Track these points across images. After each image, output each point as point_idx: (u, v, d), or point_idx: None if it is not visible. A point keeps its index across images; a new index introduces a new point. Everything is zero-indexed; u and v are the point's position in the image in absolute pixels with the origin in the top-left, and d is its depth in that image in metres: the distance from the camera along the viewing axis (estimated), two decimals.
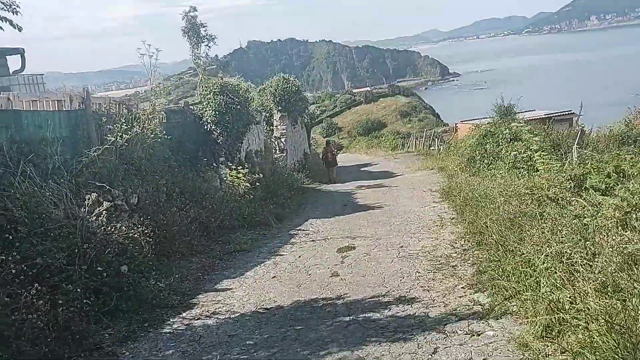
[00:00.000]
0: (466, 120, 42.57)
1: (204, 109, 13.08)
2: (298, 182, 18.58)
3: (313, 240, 10.32)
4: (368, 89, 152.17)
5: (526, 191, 9.03)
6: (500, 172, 14.05)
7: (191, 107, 13.55)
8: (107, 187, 8.32)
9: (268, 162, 17.43)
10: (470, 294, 6.02)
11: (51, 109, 8.44)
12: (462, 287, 6.32)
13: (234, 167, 12.60)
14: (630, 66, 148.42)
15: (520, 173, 12.78)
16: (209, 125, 12.93)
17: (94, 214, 6.86)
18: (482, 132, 17.86)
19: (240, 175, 11.93)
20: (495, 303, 5.44)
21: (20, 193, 6.73)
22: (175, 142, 12.09)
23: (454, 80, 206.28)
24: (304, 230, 11.59)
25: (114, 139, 8.48)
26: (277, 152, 20.57)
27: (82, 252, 6.38)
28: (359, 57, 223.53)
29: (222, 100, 12.84)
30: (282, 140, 20.60)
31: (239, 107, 13.17)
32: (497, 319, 5.17)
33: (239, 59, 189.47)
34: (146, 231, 7.48)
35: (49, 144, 7.76)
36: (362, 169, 28.09)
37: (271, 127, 21.08)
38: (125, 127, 8.68)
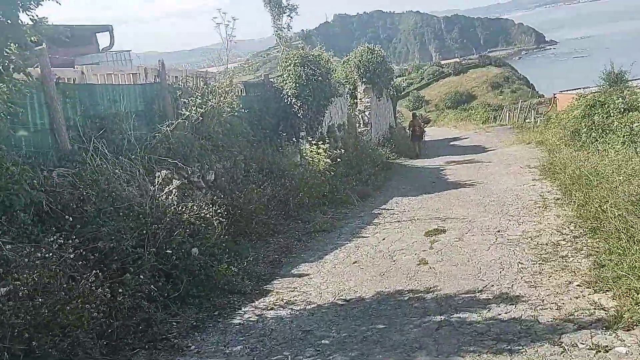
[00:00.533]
0: (566, 91, 39.44)
1: (284, 82, 12.48)
2: (383, 157, 17.72)
3: (398, 221, 9.50)
4: (457, 60, 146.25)
5: None
6: (613, 146, 12.46)
7: (271, 80, 13.00)
8: (182, 163, 7.95)
9: (351, 137, 16.68)
10: (589, 294, 5.00)
11: (126, 83, 8.14)
12: (577, 285, 5.29)
13: (314, 142, 11.95)
14: None
15: (638, 148, 11.19)
16: (289, 99, 12.33)
17: (164, 192, 6.44)
18: (589, 101, 16.06)
19: (321, 150, 11.27)
20: (624, 308, 4.41)
21: (91, 170, 6.43)
22: (254, 116, 11.65)
23: (550, 48, 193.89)
24: (388, 209, 10.80)
25: (188, 113, 8.05)
26: (361, 125, 19.75)
27: (152, 233, 6.00)
28: (447, 27, 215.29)
29: (303, 72, 12.17)
30: (366, 113, 19.73)
31: (320, 78, 12.46)
32: (629, 329, 4.17)
33: (324, 33, 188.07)
34: (219, 210, 7.00)
35: (123, 119, 7.45)
36: (451, 143, 26.66)
37: (355, 100, 20.23)
38: (200, 101, 8.23)
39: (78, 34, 16.02)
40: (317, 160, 10.96)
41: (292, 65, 12.37)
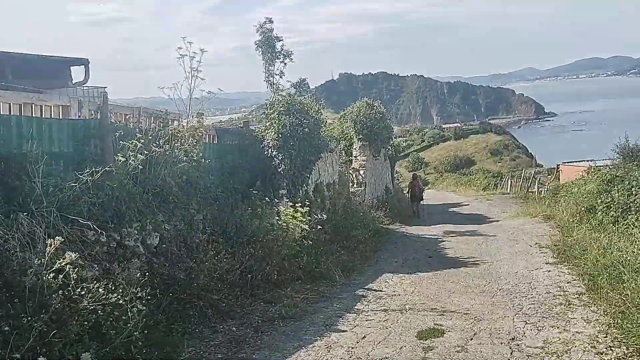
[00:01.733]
0: (570, 162, 38.09)
1: (266, 130, 10.82)
2: (376, 221, 15.92)
3: (385, 310, 7.57)
4: (458, 124, 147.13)
5: None
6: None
7: (252, 127, 11.35)
8: (114, 222, 6.14)
9: (342, 197, 14.91)
10: None
11: (52, 117, 6.41)
12: None
13: (292, 203, 10.12)
14: None
15: None
16: (269, 150, 10.63)
17: (53, 268, 4.57)
18: (606, 176, 14.40)
19: (298, 214, 9.42)
20: None
21: None
22: (226, 168, 9.91)
23: (550, 120, 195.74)
24: (375, 290, 8.88)
25: (124, 158, 6.29)
26: (355, 185, 18.03)
27: (26, 329, 4.11)
28: (449, 93, 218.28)
29: (288, 121, 10.50)
30: (361, 172, 18.06)
31: (307, 130, 10.77)
32: None
33: (329, 90, 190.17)
34: (140, 294, 5.10)
35: (32, 162, 5.67)
36: (451, 209, 24.88)
37: (349, 158, 18.61)
38: (142, 144, 6.47)
39: (49, 66, 14.57)
40: (293, 226, 9.10)
41: (275, 112, 10.73)
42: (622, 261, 8.42)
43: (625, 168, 14.47)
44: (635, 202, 12.15)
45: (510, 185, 33.76)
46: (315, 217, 10.49)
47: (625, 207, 12.39)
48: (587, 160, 36.03)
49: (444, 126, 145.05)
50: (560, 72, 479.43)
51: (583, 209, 14.22)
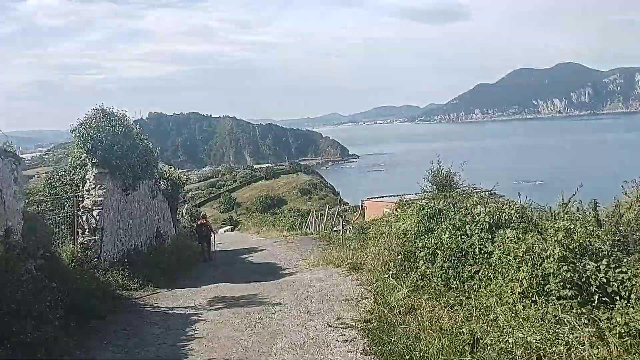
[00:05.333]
0: (374, 198, 35.84)
1: None
2: (108, 288, 9.87)
3: None
4: (270, 165, 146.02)
5: None
6: (499, 296, 6.36)
7: None
8: None
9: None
10: None
11: None
12: None
13: None
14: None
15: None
16: None
17: None
18: (424, 210, 10.33)
19: None
20: None
21: None
22: None
23: (353, 161, 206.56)
24: None
25: None
26: (86, 233, 11.77)
27: None
28: (262, 135, 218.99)
29: None
30: (95, 214, 11.86)
31: None
32: None
33: None
34: None
35: None
36: (242, 257, 19.62)
37: (77, 193, 12.33)
38: None
39: None
40: None
41: None
42: None
43: (450, 198, 10.60)
44: (475, 246, 8.02)
45: (314, 225, 29.87)
46: None
47: (460, 255, 8.21)
48: (392, 196, 34.11)
49: (256, 166, 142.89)
50: (360, 118, 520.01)
51: (399, 256, 9.92)
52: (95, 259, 11.59)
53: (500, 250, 7.19)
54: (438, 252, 8.81)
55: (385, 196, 34.02)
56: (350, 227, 25.17)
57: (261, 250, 21.17)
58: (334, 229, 25.23)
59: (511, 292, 5.72)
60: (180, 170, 21.31)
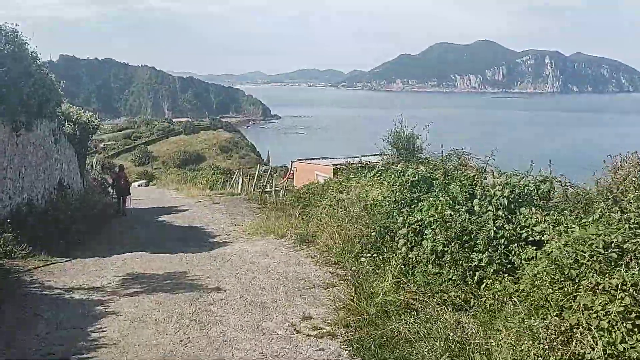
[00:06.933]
0: (304, 160, 33.63)
1: None
2: None
3: None
4: (189, 120, 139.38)
5: None
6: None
7: None
8: None
9: None
10: None
11: None
12: None
13: None
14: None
15: None
16: None
17: None
18: (406, 176, 8.26)
19: None
20: None
21: None
22: None
23: (275, 122, 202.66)
24: None
25: None
26: None
27: None
28: (182, 88, 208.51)
29: None
30: None
31: None
32: None
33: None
34: None
35: None
36: (162, 218, 16.84)
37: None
38: None
39: None
40: None
41: None
42: None
43: (440, 161, 8.58)
44: (488, 228, 6.05)
45: (242, 184, 27.25)
46: None
47: (462, 237, 6.22)
48: (324, 158, 32.04)
49: (175, 120, 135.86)
50: (284, 79, 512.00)
51: (373, 232, 7.83)
52: None
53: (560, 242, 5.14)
54: (428, 230, 6.83)
55: (316, 158, 31.94)
56: (282, 190, 22.91)
57: (183, 211, 18.47)
58: (265, 190, 22.84)
59: (601, 307, 3.72)
60: (90, 113, 17.87)
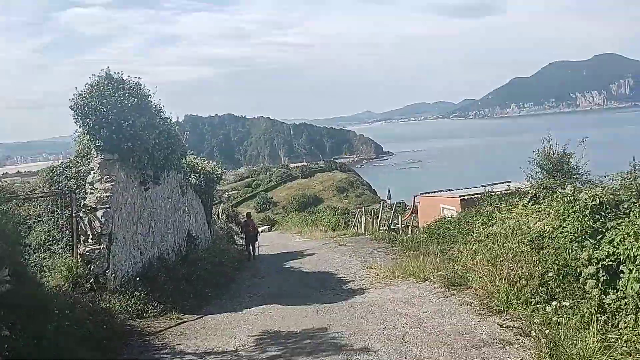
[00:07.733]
0: (427, 194, 31.95)
1: None
2: (116, 320, 6.63)
3: None
4: (305, 164, 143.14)
5: None
6: None
7: None
8: None
9: None
10: None
11: None
12: None
13: None
14: None
15: None
16: None
17: None
18: (584, 202, 6.67)
19: None
20: None
21: None
22: None
23: (387, 158, 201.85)
24: None
25: None
26: (89, 240, 8.53)
27: None
28: (296, 134, 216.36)
29: None
30: (100, 214, 8.59)
31: None
32: None
33: None
34: None
35: None
36: (289, 264, 16.20)
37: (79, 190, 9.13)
38: None
39: None
40: None
41: None
42: None
43: (624, 182, 6.89)
44: None
45: (365, 223, 26.20)
46: None
47: None
48: (448, 190, 30.09)
49: (291, 165, 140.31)
50: (394, 115, 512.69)
51: (550, 273, 6.29)
52: (100, 276, 8.36)
53: None
54: (627, 267, 5.22)
55: (440, 190, 30.10)
56: (409, 226, 21.51)
57: (310, 255, 17.73)
58: (392, 227, 21.57)
59: None
60: (213, 163, 18.04)
